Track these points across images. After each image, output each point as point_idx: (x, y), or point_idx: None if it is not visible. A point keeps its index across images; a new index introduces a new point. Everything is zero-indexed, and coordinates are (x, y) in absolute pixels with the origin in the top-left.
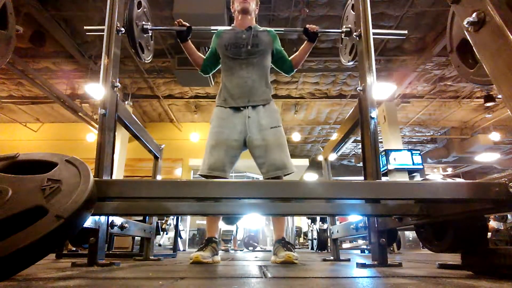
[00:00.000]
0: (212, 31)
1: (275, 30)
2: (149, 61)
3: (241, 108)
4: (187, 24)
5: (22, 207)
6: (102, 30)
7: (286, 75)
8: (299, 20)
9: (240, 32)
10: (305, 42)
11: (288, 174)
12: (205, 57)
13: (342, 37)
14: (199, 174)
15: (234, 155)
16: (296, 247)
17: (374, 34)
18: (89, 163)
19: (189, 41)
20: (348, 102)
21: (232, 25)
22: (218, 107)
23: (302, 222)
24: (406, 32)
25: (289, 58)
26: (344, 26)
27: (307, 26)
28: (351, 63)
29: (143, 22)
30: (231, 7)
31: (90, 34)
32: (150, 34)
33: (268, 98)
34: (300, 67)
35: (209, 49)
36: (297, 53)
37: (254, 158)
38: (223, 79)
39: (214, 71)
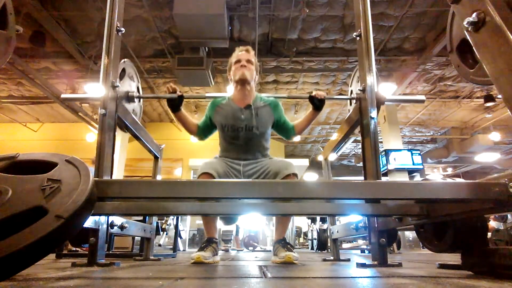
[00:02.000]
0: (206, 100)
1: (277, 97)
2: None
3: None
4: (178, 92)
5: (22, 207)
6: (80, 99)
7: (287, 140)
8: (299, 20)
9: (238, 112)
10: (311, 109)
11: (293, 175)
12: (199, 125)
13: (350, 106)
14: (200, 171)
15: (228, 176)
16: (296, 247)
17: (389, 100)
18: (89, 163)
19: (182, 109)
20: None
21: (229, 97)
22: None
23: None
24: (424, 98)
25: (292, 125)
26: (354, 93)
27: (313, 93)
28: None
29: (129, 91)
30: (227, 75)
31: (70, 102)
32: (137, 102)
33: (267, 156)
34: (300, 67)
35: (204, 117)
36: (301, 120)
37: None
38: (221, 146)
39: (210, 136)
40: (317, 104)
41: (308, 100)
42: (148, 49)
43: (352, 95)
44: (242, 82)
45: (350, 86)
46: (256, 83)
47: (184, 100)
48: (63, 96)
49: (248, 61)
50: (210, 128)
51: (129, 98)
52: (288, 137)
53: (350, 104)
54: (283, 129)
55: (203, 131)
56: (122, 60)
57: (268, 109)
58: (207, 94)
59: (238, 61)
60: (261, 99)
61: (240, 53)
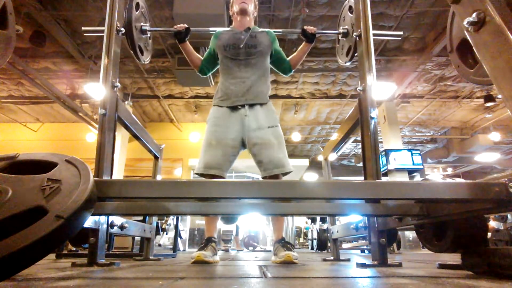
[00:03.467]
0: (211, 32)
1: (274, 31)
2: (147, 62)
3: (238, 107)
4: (186, 26)
5: (22, 207)
6: (101, 31)
7: (284, 75)
8: (299, 20)
9: (239, 33)
10: (303, 42)
11: (286, 173)
12: (203, 58)
13: (339, 38)
14: (195, 173)
15: (232, 154)
16: (296, 247)
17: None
18: (89, 163)
19: (187, 42)
20: (348, 102)
21: (231, 26)
22: (215, 107)
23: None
24: (401, 33)
25: (288, 59)
26: (341, 27)
27: (305, 27)
28: (348, 63)
29: (142, 24)
30: (230, 10)
31: (89, 35)
32: (149, 35)
33: (266, 99)
34: (299, 67)
35: (207, 50)
36: (295, 53)
37: (253, 156)
38: (221, 79)
39: (212, 72)
40: (309, 37)
41: (300, 33)
42: None
43: (342, 30)
44: (243, 13)
45: (340, 17)
46: (254, 17)
47: (184, 99)
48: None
49: None
50: (214, 59)
51: (142, 31)
52: (284, 70)
53: (338, 41)
54: (280, 61)
55: (207, 62)
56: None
57: (266, 35)
58: (211, 28)
59: None
60: (260, 29)
61: None
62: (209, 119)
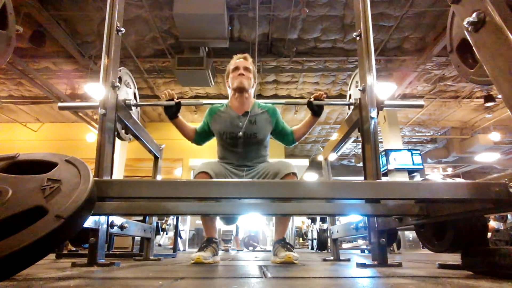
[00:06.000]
0: (204, 105)
1: (275, 103)
2: (129, 141)
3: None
4: (176, 98)
5: (22, 207)
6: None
7: (286, 146)
8: (299, 20)
9: (236, 119)
10: (310, 115)
11: (293, 174)
12: (197, 130)
13: (349, 109)
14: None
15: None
16: (296, 247)
17: (388, 105)
18: (89, 163)
19: (179, 116)
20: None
21: (227, 103)
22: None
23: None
24: (423, 103)
25: (291, 130)
26: (352, 98)
27: (312, 96)
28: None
29: (126, 100)
30: (225, 83)
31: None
32: (135, 109)
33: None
34: (300, 67)
35: (202, 123)
36: (300, 126)
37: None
38: (219, 154)
39: (208, 141)
40: (316, 110)
41: (306, 106)
42: (148, 49)
43: (351, 100)
44: (240, 90)
45: (349, 90)
46: (254, 90)
47: (184, 99)
48: (60, 105)
49: (246, 68)
50: (208, 135)
51: (127, 106)
52: (287, 143)
53: (349, 108)
54: (282, 135)
55: (200, 137)
56: (118, 69)
57: (266, 116)
58: (204, 101)
59: (236, 68)
60: (259, 105)
61: (238, 60)
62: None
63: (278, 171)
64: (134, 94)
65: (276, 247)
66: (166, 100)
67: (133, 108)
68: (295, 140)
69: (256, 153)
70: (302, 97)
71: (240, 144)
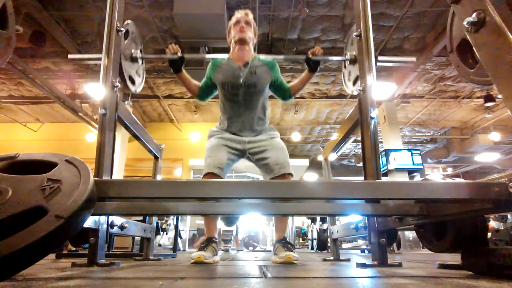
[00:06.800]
0: (207, 59)
1: (274, 59)
2: (139, 91)
3: (241, 136)
4: (179, 53)
5: (22, 207)
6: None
7: (284, 101)
8: (299, 20)
9: (238, 69)
10: (306, 71)
11: (288, 174)
12: (200, 86)
13: (346, 64)
14: (204, 172)
15: (232, 159)
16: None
17: (380, 61)
18: (89, 163)
19: (183, 70)
20: (348, 102)
21: (229, 55)
22: (218, 131)
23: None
24: (414, 59)
25: (288, 86)
26: (348, 54)
27: (310, 52)
28: (355, 92)
29: (133, 51)
30: (227, 37)
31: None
32: (141, 62)
33: (266, 127)
34: (300, 67)
35: (205, 78)
36: (296, 81)
37: (257, 163)
38: (221, 108)
39: (212, 97)
40: (312, 66)
41: (304, 61)
42: (148, 49)
43: (347, 56)
44: (241, 42)
45: (345, 50)
46: (254, 45)
47: (184, 99)
48: (70, 56)
49: (247, 22)
50: (211, 89)
51: (133, 59)
52: (284, 98)
53: (344, 66)
54: (280, 89)
55: (204, 92)
56: (126, 22)
57: (266, 68)
58: (207, 56)
59: (237, 22)
60: (259, 59)
61: (239, 15)
62: (212, 135)
63: (275, 164)
64: (140, 50)
65: (276, 246)
66: (171, 54)
67: (139, 61)
68: (291, 96)
69: (256, 104)
70: (302, 97)
71: (241, 94)
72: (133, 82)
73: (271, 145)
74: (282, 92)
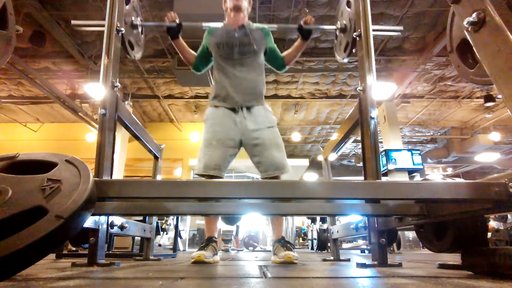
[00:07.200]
0: (204, 28)
1: (268, 27)
2: (139, 58)
3: (236, 108)
4: (177, 20)
5: (22, 207)
6: (95, 25)
7: (278, 71)
8: (299, 20)
9: (233, 31)
10: (298, 39)
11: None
12: (197, 55)
13: (337, 33)
14: (196, 174)
15: (230, 154)
16: (296, 247)
17: (374, 30)
18: (89, 163)
19: (180, 38)
20: (348, 102)
21: (224, 22)
22: (212, 107)
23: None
24: (401, 28)
25: (282, 55)
26: (339, 23)
27: (302, 21)
28: (346, 60)
29: (132, 18)
30: (223, 5)
31: (81, 29)
32: (140, 30)
33: (262, 98)
34: (299, 67)
35: (201, 46)
36: (289, 50)
37: (251, 157)
38: (215, 78)
39: (207, 68)
40: (305, 34)
41: (297, 30)
42: (148, 49)
43: (340, 25)
44: (236, 9)
45: (338, 14)
46: (248, 14)
47: (184, 99)
48: (73, 22)
49: None
50: (207, 57)
51: (133, 26)
52: (278, 67)
53: (336, 38)
54: (274, 57)
55: (200, 60)
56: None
57: (261, 33)
58: (204, 24)
59: None
60: (254, 26)
61: None
62: (207, 120)
63: (270, 165)
64: (140, 20)
65: (276, 246)
66: (169, 22)
67: (138, 28)
68: (285, 65)
69: (251, 68)
70: (302, 97)
71: (235, 53)
72: (132, 47)
73: (268, 140)
74: (276, 60)
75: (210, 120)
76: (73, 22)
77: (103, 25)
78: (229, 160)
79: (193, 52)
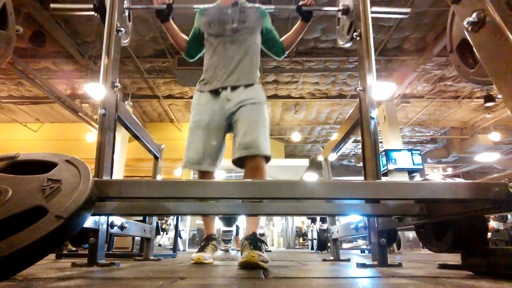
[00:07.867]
0: (195, 9)
1: (265, 8)
2: (126, 44)
3: (220, 90)
4: (168, 1)
5: (22, 207)
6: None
7: (277, 58)
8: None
9: (225, 8)
10: (299, 21)
11: (260, 157)
12: (188, 39)
13: (339, 16)
14: (182, 168)
15: (217, 145)
16: (296, 247)
17: (373, 12)
18: (89, 163)
19: (171, 21)
20: (348, 102)
21: (217, 1)
22: (197, 92)
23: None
24: (409, 10)
25: (280, 40)
26: (341, 4)
27: (302, 2)
28: (349, 44)
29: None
30: None
31: (58, 13)
32: (127, 14)
33: (252, 79)
34: (300, 67)
35: (192, 29)
36: (289, 34)
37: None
38: (205, 61)
39: (201, 54)
40: (306, 15)
41: (296, 11)
42: (148, 49)
43: (341, 7)
44: None
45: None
46: None
47: (184, 99)
48: (52, 6)
49: None
50: (200, 40)
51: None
52: (277, 52)
53: (338, 21)
54: (272, 41)
55: (193, 44)
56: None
57: (256, 11)
58: (195, 6)
59: None
60: (249, 5)
61: None
62: (192, 107)
63: (240, 142)
64: (127, 2)
65: (244, 244)
66: (158, 4)
67: (126, 12)
68: (284, 49)
69: (245, 55)
70: (302, 97)
71: (228, 30)
72: (117, 32)
73: (245, 115)
74: (274, 44)
75: (194, 108)
76: (52, 5)
77: (84, 9)
78: (217, 150)
79: (185, 36)
